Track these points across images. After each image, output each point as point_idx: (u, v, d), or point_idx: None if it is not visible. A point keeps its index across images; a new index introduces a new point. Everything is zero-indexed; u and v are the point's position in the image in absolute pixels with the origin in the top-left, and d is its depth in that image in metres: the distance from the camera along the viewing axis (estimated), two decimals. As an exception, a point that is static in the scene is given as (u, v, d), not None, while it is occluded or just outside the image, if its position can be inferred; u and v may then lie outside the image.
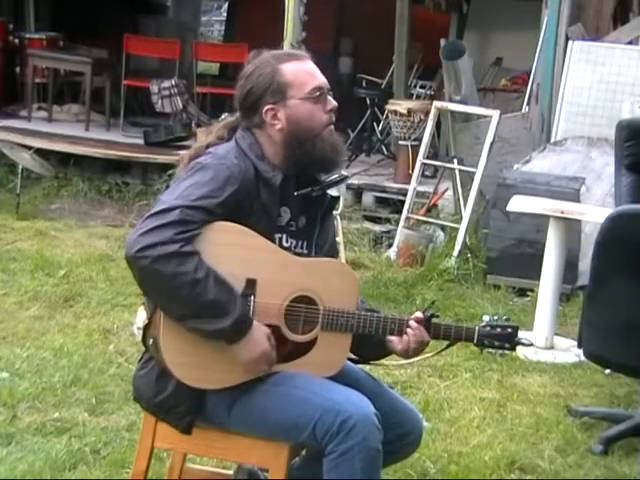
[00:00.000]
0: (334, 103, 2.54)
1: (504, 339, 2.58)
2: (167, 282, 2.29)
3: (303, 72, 2.52)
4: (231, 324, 2.32)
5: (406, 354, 2.57)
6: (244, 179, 2.43)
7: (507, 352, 2.62)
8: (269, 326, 2.43)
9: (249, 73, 2.54)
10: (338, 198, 2.74)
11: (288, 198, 2.54)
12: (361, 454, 2.33)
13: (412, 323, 2.54)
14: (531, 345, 2.73)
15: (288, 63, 2.52)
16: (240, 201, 2.41)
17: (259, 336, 2.38)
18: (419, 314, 2.58)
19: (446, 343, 2.65)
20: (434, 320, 2.58)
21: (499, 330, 2.58)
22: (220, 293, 2.31)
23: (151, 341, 2.45)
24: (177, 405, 2.46)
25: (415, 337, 2.53)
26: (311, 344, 2.49)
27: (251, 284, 2.39)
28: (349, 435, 2.33)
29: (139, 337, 2.62)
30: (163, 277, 2.28)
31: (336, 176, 2.63)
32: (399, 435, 2.57)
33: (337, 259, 2.80)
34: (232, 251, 2.38)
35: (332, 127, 2.55)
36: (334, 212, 2.89)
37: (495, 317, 2.63)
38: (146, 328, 2.50)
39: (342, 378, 2.50)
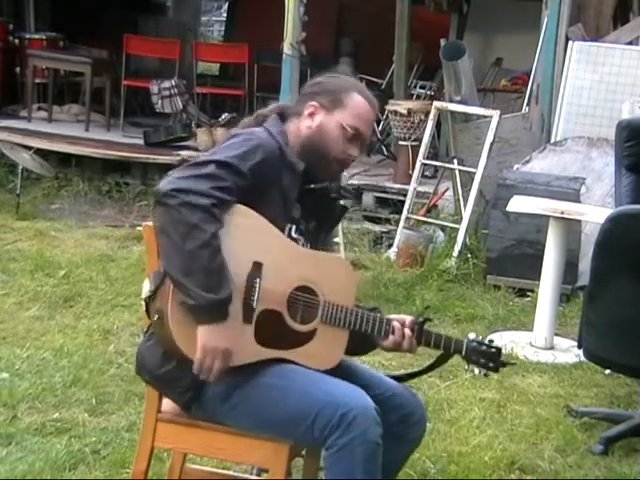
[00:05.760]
0: (355, 154, 2.61)
1: (488, 357, 2.62)
2: (184, 229, 2.31)
3: (362, 110, 2.60)
4: (212, 301, 2.31)
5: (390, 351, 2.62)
6: (271, 154, 2.50)
7: (490, 373, 2.65)
8: (271, 311, 2.44)
9: (333, 75, 2.68)
10: (347, 209, 2.80)
11: (302, 194, 2.58)
12: (362, 447, 2.34)
13: (397, 325, 2.56)
14: (514, 365, 2.76)
15: (360, 96, 2.61)
16: (265, 174, 2.47)
17: (228, 333, 2.36)
18: (411, 319, 2.60)
19: (437, 354, 2.67)
20: (426, 328, 2.60)
21: (484, 348, 2.63)
22: (220, 269, 2.33)
23: (156, 317, 2.43)
24: (180, 379, 2.47)
25: (400, 342, 2.58)
26: (310, 335, 2.50)
27: (257, 267, 2.42)
28: (349, 428, 2.34)
29: (143, 308, 2.58)
30: (183, 222, 2.31)
31: (349, 190, 2.73)
32: (403, 415, 2.58)
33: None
34: (244, 233, 2.41)
35: (342, 168, 2.64)
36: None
37: (480, 337, 2.67)
38: (150, 301, 2.48)
39: (338, 368, 2.52)
